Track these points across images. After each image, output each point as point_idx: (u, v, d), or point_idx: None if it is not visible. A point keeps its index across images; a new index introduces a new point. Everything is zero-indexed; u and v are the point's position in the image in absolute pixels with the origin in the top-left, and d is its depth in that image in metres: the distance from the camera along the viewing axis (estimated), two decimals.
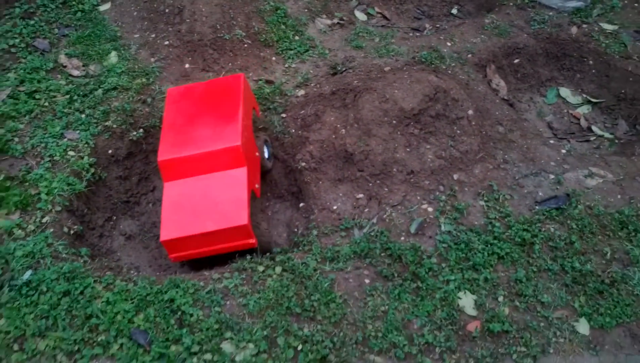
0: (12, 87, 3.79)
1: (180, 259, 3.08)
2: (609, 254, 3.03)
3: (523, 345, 2.70)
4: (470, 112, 3.59)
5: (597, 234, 3.12)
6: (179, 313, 2.79)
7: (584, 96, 4.28)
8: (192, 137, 3.11)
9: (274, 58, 4.20)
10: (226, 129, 3.10)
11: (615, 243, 3.08)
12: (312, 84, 3.94)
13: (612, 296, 2.85)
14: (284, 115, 3.77)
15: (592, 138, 4.01)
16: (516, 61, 4.34)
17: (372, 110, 3.49)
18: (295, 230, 3.43)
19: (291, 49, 4.25)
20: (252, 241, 3.02)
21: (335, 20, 4.63)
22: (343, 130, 3.51)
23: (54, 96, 3.80)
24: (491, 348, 2.70)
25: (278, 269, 2.97)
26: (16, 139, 3.51)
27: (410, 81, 3.61)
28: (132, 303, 2.82)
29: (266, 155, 3.55)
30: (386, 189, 3.35)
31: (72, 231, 3.21)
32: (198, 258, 3.14)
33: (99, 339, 2.71)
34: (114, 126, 3.65)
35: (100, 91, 3.84)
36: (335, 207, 3.32)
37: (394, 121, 3.46)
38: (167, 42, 4.18)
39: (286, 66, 4.15)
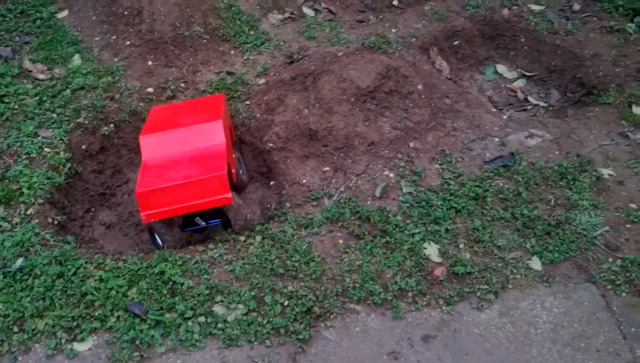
0: None
1: (153, 218, 3.09)
2: (552, 201, 3.40)
3: (485, 284, 3.02)
4: (420, 87, 3.92)
5: (540, 185, 3.48)
6: (170, 283, 2.99)
7: (519, 70, 4.69)
8: (173, 123, 3.38)
9: (232, 52, 4.44)
10: (208, 116, 3.39)
11: (557, 191, 3.45)
12: (271, 73, 4.20)
13: (558, 235, 3.21)
14: (247, 102, 4.01)
15: (529, 107, 4.41)
16: (456, 42, 4.71)
17: (331, 90, 3.77)
18: (268, 206, 3.67)
19: (248, 43, 4.49)
20: (228, 195, 3.11)
21: (287, 15, 4.91)
22: (306, 110, 3.78)
23: (23, 99, 3.93)
24: (457, 289, 3.01)
25: (258, 237, 3.20)
26: None
27: (363, 62, 3.91)
28: (124, 278, 3.00)
29: (240, 171, 3.72)
30: (350, 160, 3.63)
31: (56, 222, 3.35)
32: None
33: (96, 314, 2.88)
34: (86, 122, 3.80)
35: (68, 91, 3.99)
36: (304, 181, 3.58)
37: (352, 99, 3.75)
38: (128, 42, 4.35)
39: (245, 58, 4.39)
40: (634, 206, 3.35)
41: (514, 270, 3.08)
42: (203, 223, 3.29)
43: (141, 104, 3.96)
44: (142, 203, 3.05)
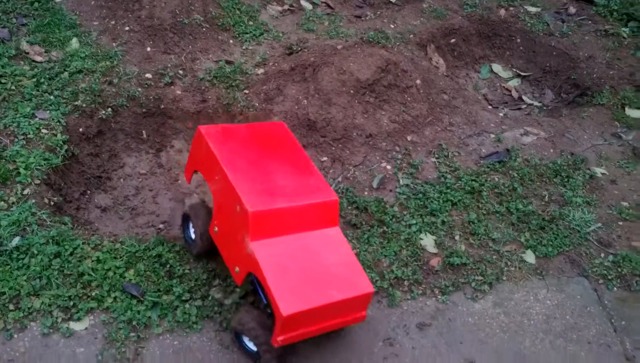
0: None
1: (289, 341, 2.47)
2: (547, 197, 3.46)
3: (480, 275, 3.07)
4: (418, 81, 3.96)
5: (535, 181, 3.54)
6: (168, 266, 2.99)
7: (514, 70, 4.75)
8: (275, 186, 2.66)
9: (231, 41, 4.45)
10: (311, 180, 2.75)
11: (551, 188, 3.51)
12: (270, 63, 4.21)
13: (552, 230, 3.27)
14: (246, 91, 4.02)
15: (523, 107, 4.47)
16: (452, 40, 4.76)
17: (331, 81, 3.80)
18: None
19: (247, 33, 4.50)
20: (364, 313, 2.63)
21: (286, 7, 4.93)
22: (305, 101, 3.80)
23: (20, 80, 3.90)
24: (452, 279, 3.05)
25: None
26: None
27: (363, 55, 3.94)
28: (122, 260, 3.00)
29: None
30: (348, 151, 3.66)
31: (52, 203, 3.33)
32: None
33: (92, 294, 2.87)
34: (84, 105, 3.79)
35: (66, 73, 3.96)
36: None
37: (352, 91, 3.78)
38: (127, 28, 4.34)
39: (244, 48, 4.40)
40: (625, 204, 3.41)
41: (509, 263, 3.13)
42: None
43: (139, 89, 3.95)
44: (287, 325, 2.39)
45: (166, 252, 3.04)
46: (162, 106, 3.96)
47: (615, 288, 3.03)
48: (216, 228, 2.78)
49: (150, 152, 3.92)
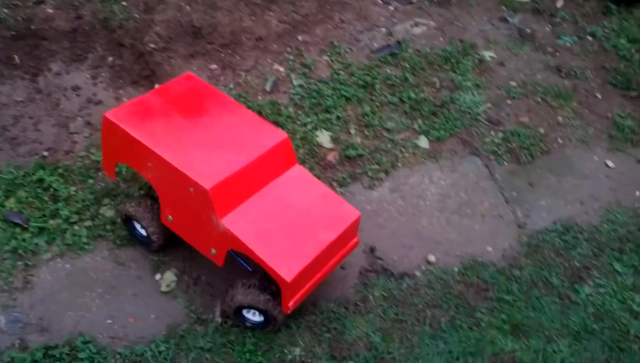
0: None
1: (299, 302, 2.36)
2: (437, 83, 3.48)
3: (376, 164, 3.08)
4: None
5: (426, 70, 3.55)
6: (51, 190, 2.83)
7: None
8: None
9: None
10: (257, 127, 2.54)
11: (442, 75, 3.53)
12: None
13: (444, 114, 3.31)
14: (124, 3, 3.76)
15: (414, 1, 4.42)
16: None
17: None
18: None
19: None
20: (357, 239, 2.54)
21: None
22: (187, 7, 3.60)
23: None
24: (350, 171, 3.05)
25: None
26: None
27: None
28: (0, 189, 2.80)
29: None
30: (238, 57, 3.52)
31: None
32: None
33: None
34: None
35: None
36: None
37: None
38: None
39: None
40: (513, 83, 3.49)
41: (403, 150, 3.15)
42: None
43: (5, 10, 3.63)
44: (292, 290, 2.28)
45: (48, 176, 2.86)
46: (33, 27, 3.65)
47: (505, 163, 3.12)
48: (170, 217, 2.48)
49: (25, 78, 3.63)
